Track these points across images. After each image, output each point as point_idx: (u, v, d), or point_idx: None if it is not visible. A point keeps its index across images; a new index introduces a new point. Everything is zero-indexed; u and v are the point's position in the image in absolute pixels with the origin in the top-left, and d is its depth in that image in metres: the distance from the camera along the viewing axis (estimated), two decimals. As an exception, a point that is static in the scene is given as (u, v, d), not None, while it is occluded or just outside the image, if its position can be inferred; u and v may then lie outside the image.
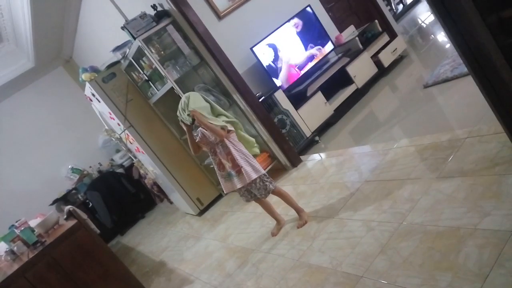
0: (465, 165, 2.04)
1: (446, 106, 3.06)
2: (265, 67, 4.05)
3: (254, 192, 2.58)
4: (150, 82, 3.72)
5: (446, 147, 2.32)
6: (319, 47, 4.55)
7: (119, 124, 3.99)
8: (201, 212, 4.19)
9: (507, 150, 1.93)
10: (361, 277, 1.81)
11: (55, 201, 5.80)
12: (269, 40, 4.16)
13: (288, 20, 4.35)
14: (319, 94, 4.21)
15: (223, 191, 2.79)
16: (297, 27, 4.44)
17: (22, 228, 2.91)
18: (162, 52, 3.37)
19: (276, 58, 4.18)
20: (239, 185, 2.51)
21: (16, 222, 3.15)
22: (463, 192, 1.88)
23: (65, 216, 2.99)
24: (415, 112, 3.30)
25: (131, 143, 4.15)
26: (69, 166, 6.06)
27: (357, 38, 4.64)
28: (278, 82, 4.11)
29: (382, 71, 4.68)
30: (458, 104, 2.93)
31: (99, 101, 3.95)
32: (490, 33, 1.38)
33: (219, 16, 4.16)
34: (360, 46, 4.63)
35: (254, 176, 2.49)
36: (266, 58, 4.08)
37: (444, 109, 3.04)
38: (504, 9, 1.35)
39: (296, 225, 2.60)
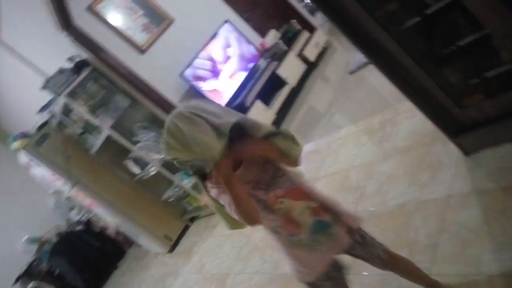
0: (398, 143, 2.19)
1: (372, 89, 3.24)
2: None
3: (359, 253, 1.33)
4: (86, 133, 3.62)
5: (379, 128, 2.46)
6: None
7: (65, 184, 3.84)
8: (172, 248, 4.12)
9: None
10: (332, 274, 1.88)
11: (18, 279, 5.43)
12: (197, 64, 4.20)
13: (212, 39, 4.40)
14: (258, 102, 4.29)
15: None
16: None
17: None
18: (90, 102, 3.30)
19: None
20: (346, 239, 1.27)
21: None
22: (402, 169, 2.01)
23: (29, 295, 2.82)
24: (348, 99, 3.47)
25: (82, 200, 4.01)
26: (25, 238, 5.71)
27: (280, 40, 4.80)
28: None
29: (311, 66, 4.85)
30: (382, 84, 3.10)
31: (38, 166, 3.78)
32: (380, 26, 1.50)
33: (141, 50, 4.13)
34: (285, 47, 4.78)
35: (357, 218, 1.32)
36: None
37: (371, 91, 3.22)
38: (387, 4, 1.48)
39: None
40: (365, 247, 1.31)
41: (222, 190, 1.16)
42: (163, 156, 3.44)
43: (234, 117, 1.09)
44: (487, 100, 1.56)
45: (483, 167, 1.65)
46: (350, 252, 1.31)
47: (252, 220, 1.14)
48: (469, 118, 1.65)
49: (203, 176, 1.21)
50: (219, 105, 1.21)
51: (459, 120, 1.66)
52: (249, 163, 1.19)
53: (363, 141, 2.50)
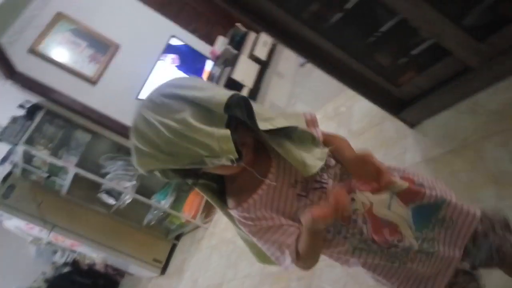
0: (353, 126, 2.31)
1: (323, 77, 3.36)
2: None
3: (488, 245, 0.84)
4: (52, 176, 3.57)
5: (334, 115, 2.58)
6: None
7: (41, 230, 3.77)
8: (164, 270, 4.13)
9: (376, 101, 2.22)
10: (315, 263, 1.98)
11: (14, 334, 5.28)
12: (152, 84, 4.20)
13: (161, 57, 4.43)
14: (219, 110, 4.35)
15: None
16: (175, 62, 4.55)
17: None
18: (50, 144, 3.26)
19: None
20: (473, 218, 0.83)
21: None
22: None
23: None
24: (303, 91, 3.59)
25: (62, 242, 3.95)
26: (12, 292, 5.55)
27: (229, 46, 4.87)
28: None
29: (264, 65, 4.94)
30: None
31: (9, 219, 3.69)
32: (307, 26, 1.60)
33: (92, 82, 4.09)
34: (235, 51, 4.86)
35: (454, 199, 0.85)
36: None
37: (322, 80, 3.33)
38: (309, 5, 1.58)
39: None
40: (496, 231, 0.84)
41: (259, 227, 0.76)
42: (137, 173, 3.47)
43: (227, 92, 0.70)
44: (419, 75, 1.69)
45: (428, 136, 1.78)
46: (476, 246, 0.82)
47: (314, 263, 0.78)
48: (407, 94, 1.77)
49: (213, 186, 0.81)
50: (200, 79, 0.78)
51: (398, 98, 1.79)
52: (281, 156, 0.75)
53: (323, 129, 2.61)
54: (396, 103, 1.80)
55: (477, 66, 1.53)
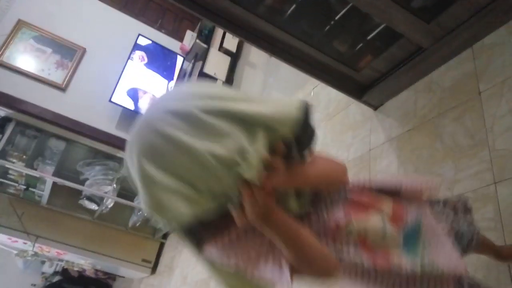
0: (322, 112, 2.37)
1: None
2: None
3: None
4: (30, 188, 3.53)
5: (304, 103, 2.63)
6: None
7: (25, 242, 3.74)
8: (154, 269, 4.17)
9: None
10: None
11: None
12: (123, 85, 4.16)
13: (130, 57, 4.38)
14: (194, 105, 4.35)
15: None
16: (143, 60, 4.50)
17: None
18: (24, 156, 3.22)
19: (136, 100, 4.21)
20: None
21: None
22: (329, 136, 2.19)
23: None
24: (276, 80, 3.63)
25: (48, 252, 3.93)
26: (2, 307, 5.50)
27: (197, 40, 4.84)
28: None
29: (235, 57, 4.95)
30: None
31: (-9, 234, 3.65)
32: (264, 20, 1.63)
33: (62, 88, 4.02)
34: (204, 45, 4.84)
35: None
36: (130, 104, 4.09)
37: (292, 69, 3.39)
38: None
39: None
40: (458, 215, 0.91)
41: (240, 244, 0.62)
42: (116, 176, 3.49)
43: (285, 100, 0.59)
44: (376, 59, 1.75)
45: (390, 116, 1.85)
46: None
47: (331, 265, 0.64)
48: (367, 78, 1.83)
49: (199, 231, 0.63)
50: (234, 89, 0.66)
51: (359, 82, 1.85)
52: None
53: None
54: (358, 88, 1.86)
55: (428, 46, 1.60)
